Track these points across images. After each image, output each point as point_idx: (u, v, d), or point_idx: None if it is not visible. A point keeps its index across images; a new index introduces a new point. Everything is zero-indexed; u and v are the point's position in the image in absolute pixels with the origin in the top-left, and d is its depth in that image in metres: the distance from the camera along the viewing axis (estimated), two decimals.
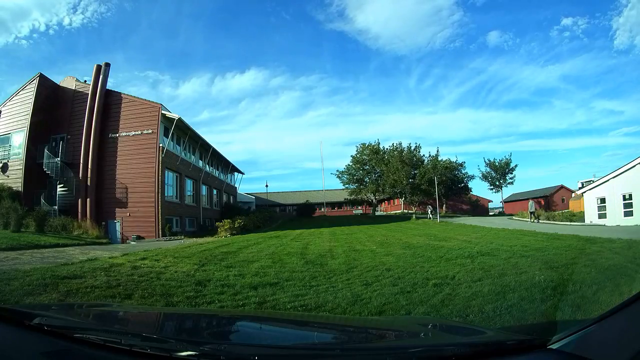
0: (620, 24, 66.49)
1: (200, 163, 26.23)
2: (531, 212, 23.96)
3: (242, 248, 11.86)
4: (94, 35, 61.36)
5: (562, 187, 45.17)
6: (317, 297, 5.18)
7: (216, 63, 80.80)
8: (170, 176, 21.11)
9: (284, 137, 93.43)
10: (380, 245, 12.49)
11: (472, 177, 40.11)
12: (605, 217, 20.03)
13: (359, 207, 47.74)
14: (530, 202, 25.22)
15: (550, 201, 43.10)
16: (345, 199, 43.34)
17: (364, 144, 38.31)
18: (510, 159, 42.99)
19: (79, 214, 18.83)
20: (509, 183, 43.73)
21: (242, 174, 37.30)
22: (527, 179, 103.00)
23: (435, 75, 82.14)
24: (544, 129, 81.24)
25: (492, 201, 52.09)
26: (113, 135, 20.38)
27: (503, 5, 67.91)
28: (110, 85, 21.50)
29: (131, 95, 21.37)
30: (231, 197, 35.66)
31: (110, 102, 20.84)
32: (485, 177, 44.21)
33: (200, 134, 24.11)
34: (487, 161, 44.19)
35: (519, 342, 1.40)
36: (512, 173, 43.04)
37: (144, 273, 6.84)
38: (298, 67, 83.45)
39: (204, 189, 26.49)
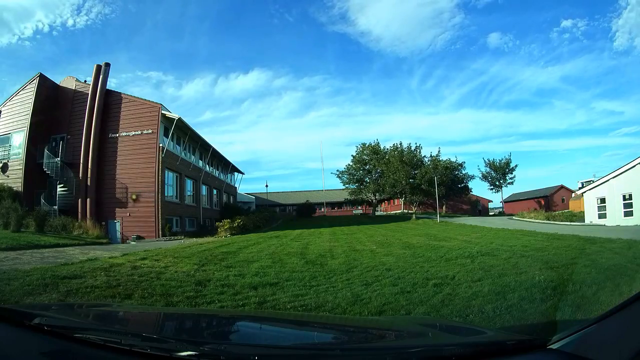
0: (620, 25, 66.44)
1: (200, 163, 26.23)
2: None
3: (242, 248, 11.86)
4: (97, 36, 61.24)
5: (562, 187, 45.20)
6: (317, 297, 5.17)
7: (220, 64, 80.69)
8: (170, 176, 21.11)
9: (285, 138, 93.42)
10: (380, 245, 12.49)
11: (472, 177, 40.28)
12: (605, 217, 20.04)
13: (359, 207, 47.69)
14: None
15: (550, 201, 43.12)
16: (345, 199, 43.28)
17: (364, 144, 38.29)
18: (510, 159, 43.10)
19: (79, 214, 18.83)
20: (509, 183, 43.78)
21: (242, 174, 37.41)
22: (527, 179, 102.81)
23: (437, 76, 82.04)
24: (545, 129, 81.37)
25: (492, 201, 52.13)
26: (113, 135, 20.38)
27: (503, 8, 67.84)
28: (113, 85, 21.67)
29: (131, 95, 21.40)
30: (231, 197, 35.66)
31: (110, 102, 20.85)
32: (485, 177, 44.24)
33: (200, 134, 24.16)
34: (487, 161, 44.29)
35: (519, 342, 1.40)
36: (512, 173, 43.12)
37: (144, 273, 6.84)
38: (302, 68, 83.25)
39: (204, 189, 26.49)
